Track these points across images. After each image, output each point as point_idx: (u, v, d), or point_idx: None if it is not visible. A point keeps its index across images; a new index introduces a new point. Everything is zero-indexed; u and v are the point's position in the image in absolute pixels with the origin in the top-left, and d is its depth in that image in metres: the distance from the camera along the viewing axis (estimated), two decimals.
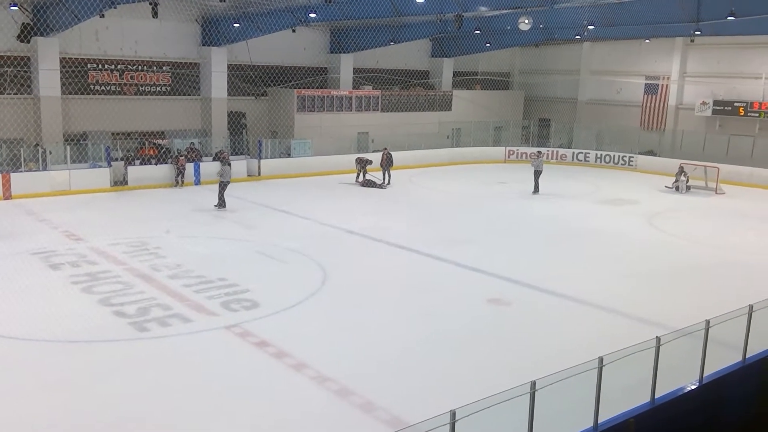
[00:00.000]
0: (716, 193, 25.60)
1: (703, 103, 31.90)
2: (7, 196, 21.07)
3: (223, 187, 20.68)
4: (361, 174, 26.12)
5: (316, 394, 8.96)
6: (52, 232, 17.24)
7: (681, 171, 26.09)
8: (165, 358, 10.09)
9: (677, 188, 25.93)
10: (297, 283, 13.64)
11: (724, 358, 8.87)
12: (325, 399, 8.84)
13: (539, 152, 26.99)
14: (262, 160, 26.82)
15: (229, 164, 21.38)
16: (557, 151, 33.57)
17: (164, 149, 25.25)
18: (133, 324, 11.12)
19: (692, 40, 30.00)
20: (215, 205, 20.63)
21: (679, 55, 33.20)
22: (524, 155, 32.77)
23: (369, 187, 25.53)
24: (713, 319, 8.32)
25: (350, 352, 10.45)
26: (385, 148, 26.81)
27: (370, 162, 26.25)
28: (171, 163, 24.47)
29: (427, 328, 11.43)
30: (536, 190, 24.57)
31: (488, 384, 8.19)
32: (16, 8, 21.96)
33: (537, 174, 24.70)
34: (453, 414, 5.77)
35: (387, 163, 26.11)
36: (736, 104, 30.87)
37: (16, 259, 14.66)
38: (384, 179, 26.00)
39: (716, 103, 31.50)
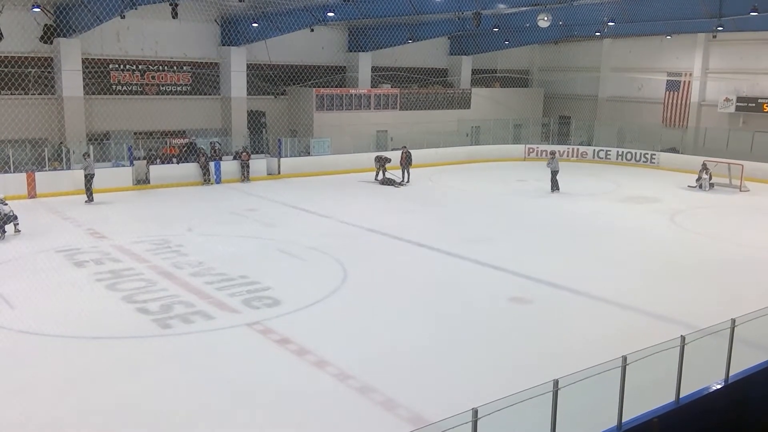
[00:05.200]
0: (740, 190, 25.24)
1: (727, 100, 31.49)
2: (32, 195, 21.43)
3: (88, 179, 21.03)
4: (380, 172, 26.15)
5: (338, 391, 8.98)
6: (76, 230, 17.49)
7: (704, 168, 25.74)
8: (188, 354, 10.19)
9: (700, 186, 25.60)
10: (318, 280, 13.70)
11: (749, 358, 8.74)
12: (346, 396, 8.86)
13: (553, 153, 26.60)
14: (281, 159, 27.02)
15: (90, 155, 21.81)
16: (578, 149, 33.29)
17: (185, 148, 25.48)
18: (156, 321, 11.25)
19: (714, 36, 29.57)
20: (86, 201, 20.98)
21: (701, 51, 32.77)
22: (544, 153, 32.53)
23: (388, 185, 25.54)
24: (739, 318, 8.22)
25: (371, 349, 10.46)
26: (405, 147, 26.81)
27: (389, 160, 26.27)
28: (197, 161, 24.82)
29: (448, 327, 11.41)
30: (555, 188, 24.41)
31: (510, 382, 8.18)
32: (39, 10, 22.24)
33: (554, 174, 24.53)
34: (475, 412, 5.75)
35: (406, 162, 26.11)
36: (760, 100, 30.42)
37: (41, 257, 14.89)
38: (403, 178, 26.01)
39: (739, 99, 31.06)
